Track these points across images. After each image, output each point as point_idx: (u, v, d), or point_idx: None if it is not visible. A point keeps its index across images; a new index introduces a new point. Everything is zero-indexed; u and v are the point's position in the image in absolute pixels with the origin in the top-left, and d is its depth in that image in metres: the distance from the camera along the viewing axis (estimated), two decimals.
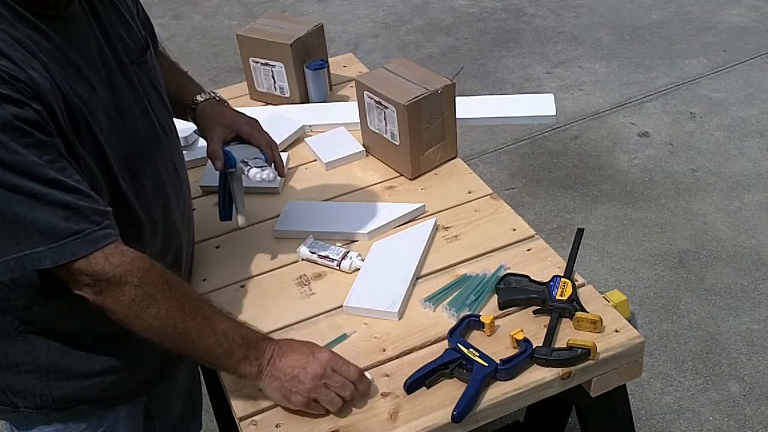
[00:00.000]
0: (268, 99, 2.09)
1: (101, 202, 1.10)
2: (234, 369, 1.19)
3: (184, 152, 1.85)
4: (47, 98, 1.05)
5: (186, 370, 1.60)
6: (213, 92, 1.55)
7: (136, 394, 1.40)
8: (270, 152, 1.47)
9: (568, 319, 1.33)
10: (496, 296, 1.39)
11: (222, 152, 1.46)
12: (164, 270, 1.15)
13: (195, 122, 1.53)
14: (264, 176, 1.40)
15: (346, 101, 2.06)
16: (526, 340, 1.26)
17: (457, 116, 1.76)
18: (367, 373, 1.27)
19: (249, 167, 1.42)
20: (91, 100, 1.13)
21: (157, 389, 1.46)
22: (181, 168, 1.41)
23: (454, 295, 1.41)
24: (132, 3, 1.34)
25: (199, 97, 1.52)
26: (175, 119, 1.42)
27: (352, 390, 1.20)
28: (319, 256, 1.51)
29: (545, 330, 1.31)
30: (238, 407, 1.26)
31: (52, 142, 1.05)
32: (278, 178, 1.47)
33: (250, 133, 1.48)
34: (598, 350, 1.25)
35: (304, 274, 1.50)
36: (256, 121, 1.52)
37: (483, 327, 1.31)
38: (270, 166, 1.44)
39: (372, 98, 1.72)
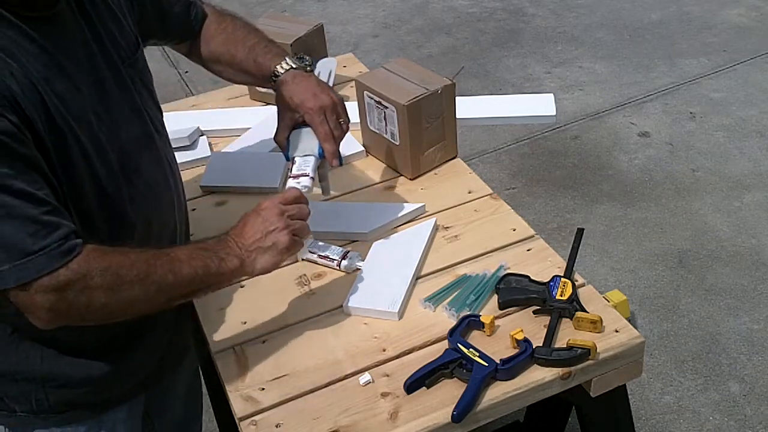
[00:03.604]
0: (268, 99, 2.08)
1: (67, 216, 1.09)
2: (222, 276, 1.21)
3: (185, 152, 1.87)
4: (25, 108, 1.03)
5: (186, 372, 1.59)
6: (296, 57, 1.45)
7: (133, 396, 1.39)
8: (326, 146, 1.39)
9: (568, 319, 1.33)
10: (496, 296, 1.39)
11: (285, 142, 1.41)
12: (113, 247, 1.13)
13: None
14: (298, 188, 1.34)
15: (346, 101, 2.06)
16: (526, 340, 1.26)
17: (457, 116, 1.76)
18: (367, 373, 1.27)
19: (290, 174, 1.37)
20: (75, 102, 1.12)
21: (156, 390, 1.46)
22: (174, 167, 1.39)
23: (454, 295, 1.41)
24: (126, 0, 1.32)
25: (279, 68, 1.44)
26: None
27: (305, 208, 1.29)
28: (319, 256, 1.51)
29: (545, 330, 1.30)
30: (238, 407, 1.26)
31: (25, 154, 1.04)
32: (313, 186, 1.38)
33: (311, 121, 1.39)
34: (598, 350, 1.25)
35: (304, 274, 1.50)
36: (335, 101, 1.41)
37: (483, 327, 1.31)
38: (311, 173, 1.37)
39: (372, 98, 1.72)
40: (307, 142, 1.41)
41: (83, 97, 1.14)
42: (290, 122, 1.43)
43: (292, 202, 1.27)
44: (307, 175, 1.37)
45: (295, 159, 1.40)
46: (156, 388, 1.45)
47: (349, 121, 1.44)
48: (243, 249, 1.22)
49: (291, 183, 1.36)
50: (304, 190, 1.35)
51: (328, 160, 1.40)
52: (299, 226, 1.26)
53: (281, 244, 1.23)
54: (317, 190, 1.49)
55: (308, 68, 1.45)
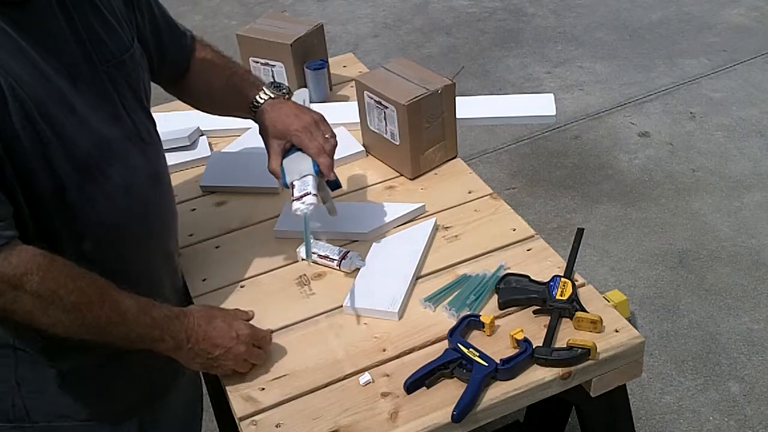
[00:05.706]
0: None
1: (4, 203, 1.07)
2: (150, 348, 1.21)
3: (185, 152, 1.87)
4: None
5: (185, 379, 1.53)
6: (274, 86, 1.48)
7: (121, 421, 1.35)
8: (320, 160, 1.40)
9: (568, 319, 1.33)
10: (496, 296, 1.39)
11: (280, 169, 1.42)
12: (66, 263, 1.12)
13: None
14: (303, 209, 1.36)
15: (346, 101, 2.06)
16: (526, 340, 1.27)
17: (457, 116, 1.76)
18: (367, 373, 1.27)
19: (292, 198, 1.38)
20: (38, 87, 1.09)
21: (154, 407, 1.42)
22: (162, 177, 1.35)
23: (454, 295, 1.41)
24: (124, 5, 1.29)
25: (258, 99, 1.47)
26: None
27: (265, 355, 1.33)
28: (319, 256, 1.51)
29: (545, 330, 1.31)
30: (238, 407, 1.26)
31: None
32: (318, 202, 1.39)
33: (300, 142, 1.42)
34: (598, 350, 1.26)
35: (304, 274, 1.50)
36: (316, 119, 1.44)
37: (483, 327, 1.32)
38: (313, 191, 1.38)
39: (372, 98, 1.73)
40: (301, 164, 1.42)
41: (52, 86, 1.11)
42: (279, 149, 1.44)
43: (262, 344, 1.32)
44: (310, 194, 1.38)
45: (294, 183, 1.41)
46: (155, 404, 1.41)
47: (334, 135, 1.45)
48: (191, 345, 1.24)
49: (296, 205, 1.37)
50: (311, 208, 1.36)
51: (325, 173, 1.40)
52: (252, 361, 1.31)
53: (224, 367, 1.28)
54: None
55: (286, 95, 1.49)
